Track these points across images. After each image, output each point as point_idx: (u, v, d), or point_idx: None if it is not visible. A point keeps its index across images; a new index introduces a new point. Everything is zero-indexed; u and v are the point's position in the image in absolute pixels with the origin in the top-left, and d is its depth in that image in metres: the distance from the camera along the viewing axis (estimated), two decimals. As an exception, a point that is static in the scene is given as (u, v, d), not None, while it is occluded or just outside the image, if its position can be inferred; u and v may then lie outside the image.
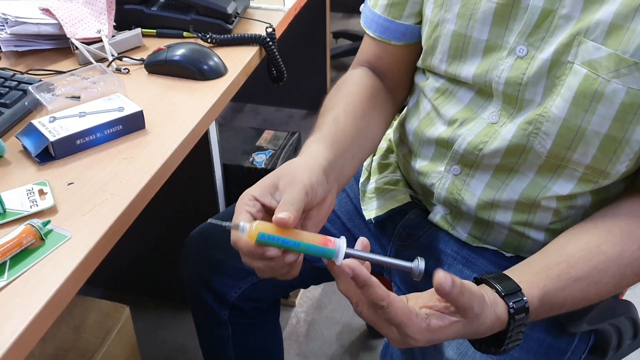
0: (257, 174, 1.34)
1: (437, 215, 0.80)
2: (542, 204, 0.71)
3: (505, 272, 0.62)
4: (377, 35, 0.81)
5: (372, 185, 0.87)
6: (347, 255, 0.54)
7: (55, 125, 0.70)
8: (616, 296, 0.80)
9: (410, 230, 0.83)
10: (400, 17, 0.79)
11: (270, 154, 1.35)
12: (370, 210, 0.86)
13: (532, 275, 0.62)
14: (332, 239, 0.54)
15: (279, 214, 0.54)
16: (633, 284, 0.67)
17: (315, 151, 0.66)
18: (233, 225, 0.55)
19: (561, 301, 0.62)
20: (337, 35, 2.72)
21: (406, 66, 0.82)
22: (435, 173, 0.77)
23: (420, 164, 0.79)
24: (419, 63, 0.79)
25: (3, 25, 0.91)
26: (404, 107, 0.87)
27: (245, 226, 0.53)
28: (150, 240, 1.37)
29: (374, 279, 0.52)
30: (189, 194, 1.23)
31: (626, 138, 0.63)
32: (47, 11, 0.92)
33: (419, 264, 0.53)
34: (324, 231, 0.59)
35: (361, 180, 0.89)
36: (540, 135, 0.66)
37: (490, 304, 0.56)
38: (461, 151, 0.73)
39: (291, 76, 1.16)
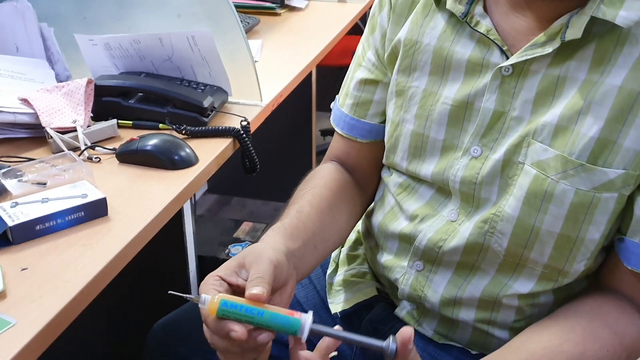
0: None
1: (404, 310, 0.79)
2: (503, 302, 0.70)
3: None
4: (345, 133, 0.85)
5: (339, 277, 0.87)
6: (313, 332, 0.53)
7: (16, 210, 0.70)
8: None
9: (376, 325, 0.81)
10: (365, 117, 0.82)
11: (247, 244, 1.35)
12: (337, 303, 0.85)
13: None
14: (298, 312, 0.53)
15: (252, 290, 0.54)
16: None
17: (274, 238, 0.66)
18: (194, 297, 0.54)
19: None
20: (324, 133, 2.81)
21: (373, 162, 0.84)
22: (400, 268, 0.77)
23: (385, 258, 0.79)
24: (384, 160, 0.81)
25: (-20, 114, 0.93)
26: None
27: (207, 298, 0.52)
28: (114, 332, 1.33)
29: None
30: (162, 286, 1.20)
31: (580, 237, 0.64)
32: (25, 101, 0.95)
33: (391, 344, 0.52)
34: None
35: (328, 271, 0.89)
36: (496, 234, 0.67)
37: None
38: (422, 247, 0.73)
39: (278, 170, 1.19)
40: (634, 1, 0.61)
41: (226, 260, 1.23)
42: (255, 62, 1.12)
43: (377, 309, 0.81)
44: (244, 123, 1.01)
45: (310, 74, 1.92)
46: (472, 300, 0.71)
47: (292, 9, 1.88)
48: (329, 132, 2.85)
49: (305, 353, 0.54)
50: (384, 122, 0.82)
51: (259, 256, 0.59)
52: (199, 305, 0.54)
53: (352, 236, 0.91)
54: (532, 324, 0.68)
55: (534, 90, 0.65)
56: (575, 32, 0.61)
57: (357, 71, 0.84)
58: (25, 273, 0.64)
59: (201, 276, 1.26)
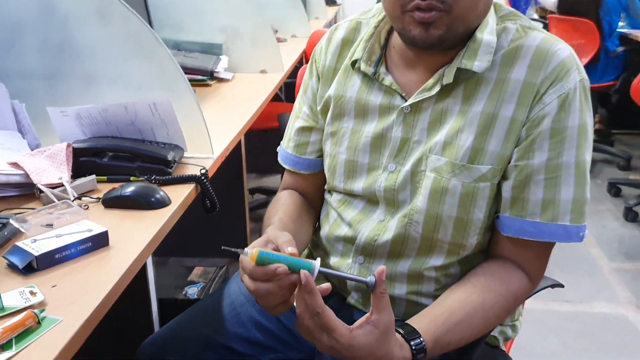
0: (191, 303, 1.49)
1: (352, 299, 1.01)
2: (425, 274, 0.94)
3: (407, 321, 0.83)
4: (291, 168, 1.10)
5: None
6: (320, 272, 0.76)
7: (36, 244, 0.87)
8: (497, 347, 1.02)
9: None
10: (305, 154, 1.08)
11: (202, 286, 1.52)
12: None
13: (425, 324, 0.83)
14: (309, 260, 0.77)
15: (288, 249, 0.78)
16: (498, 323, 0.90)
17: (275, 230, 0.89)
18: (241, 250, 0.74)
19: (447, 342, 0.83)
20: (253, 191, 3.02)
21: (316, 188, 1.10)
22: (346, 265, 0.99)
23: (333, 260, 1.01)
24: (325, 186, 1.06)
25: (-23, 177, 1.08)
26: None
27: (248, 251, 0.74)
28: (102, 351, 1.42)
29: (317, 290, 0.73)
30: (126, 325, 1.33)
31: (469, 218, 0.90)
32: (15, 164, 1.11)
33: (371, 277, 0.76)
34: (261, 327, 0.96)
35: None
36: (414, 224, 0.92)
37: (398, 342, 0.77)
38: (361, 244, 0.96)
39: (214, 228, 1.35)
40: (483, 55, 0.89)
41: (183, 300, 1.43)
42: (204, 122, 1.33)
43: (332, 302, 1.02)
44: (203, 171, 1.21)
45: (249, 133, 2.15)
46: (402, 277, 0.95)
47: (221, 80, 2.12)
48: (257, 190, 3.07)
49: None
50: (320, 157, 1.08)
51: (279, 232, 0.83)
52: (241, 256, 0.76)
53: (305, 252, 1.12)
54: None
55: (427, 121, 0.93)
56: (448, 79, 0.89)
57: (296, 121, 1.11)
58: (55, 289, 0.80)
59: (162, 318, 1.41)
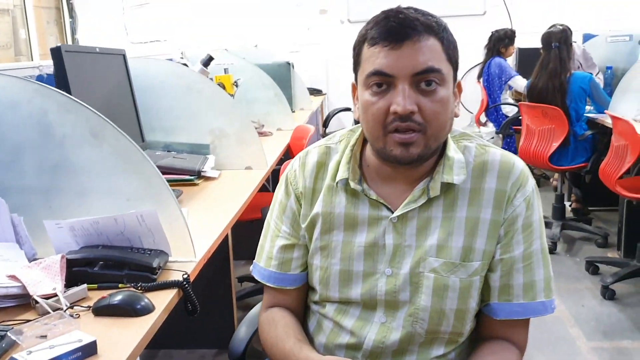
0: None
1: None
2: None
3: None
4: (277, 286, 1.20)
5: None
6: None
7: (32, 356, 0.97)
8: None
9: None
10: (289, 270, 1.19)
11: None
12: None
13: None
14: None
15: None
16: None
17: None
18: None
19: None
20: (241, 279, 3.10)
21: (300, 301, 1.22)
22: None
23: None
24: (317, 298, 1.15)
25: (-22, 290, 1.18)
26: None
27: None
28: None
29: None
30: None
31: (467, 308, 1.06)
32: (13, 277, 1.22)
33: None
34: None
35: None
36: (419, 321, 1.05)
37: None
38: (369, 348, 1.09)
39: (201, 318, 1.43)
40: (458, 170, 1.06)
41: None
42: (187, 228, 1.46)
43: None
44: (185, 276, 1.32)
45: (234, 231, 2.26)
46: None
47: (208, 178, 2.26)
48: (246, 278, 3.15)
49: None
50: (303, 271, 1.20)
51: None
52: None
53: None
54: None
55: (415, 228, 1.07)
56: (435, 192, 1.06)
57: (276, 240, 1.21)
58: (47, 398, 0.90)
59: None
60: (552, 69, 3.64)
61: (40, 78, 1.90)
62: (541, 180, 5.39)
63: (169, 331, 1.99)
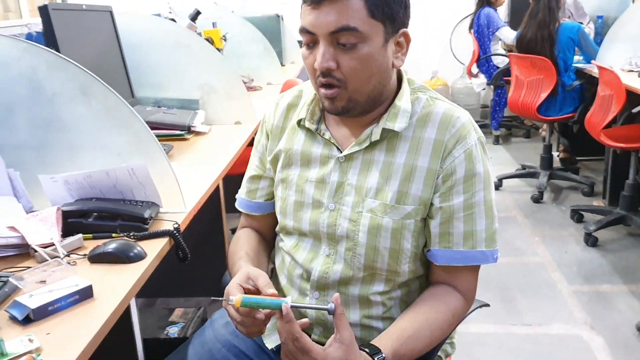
0: (171, 342, 1.65)
1: (316, 334, 1.19)
2: (372, 299, 1.15)
3: (371, 341, 1.04)
4: (245, 210, 1.33)
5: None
6: (292, 307, 0.97)
7: (32, 299, 1.04)
8: None
9: None
10: (255, 198, 1.31)
11: (182, 326, 1.68)
12: (271, 342, 1.23)
13: (384, 341, 1.04)
14: (282, 297, 0.98)
15: (269, 291, 1.01)
16: (442, 337, 1.12)
17: (248, 267, 1.11)
18: (226, 299, 0.96)
19: (402, 353, 1.04)
20: (235, 230, 3.18)
21: (268, 227, 1.33)
22: (306, 302, 1.18)
23: (294, 299, 1.19)
24: (278, 229, 1.24)
25: (-21, 241, 1.25)
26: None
27: (233, 298, 0.96)
28: None
29: (294, 319, 0.94)
30: None
31: (400, 248, 1.12)
32: (12, 228, 1.29)
33: (330, 304, 0.97)
34: None
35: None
36: (357, 256, 1.13)
37: (360, 354, 0.98)
38: (316, 279, 1.15)
39: (196, 268, 1.51)
40: (401, 118, 1.12)
41: (165, 339, 1.62)
42: (177, 180, 1.52)
43: None
44: (175, 225, 1.39)
45: (225, 182, 2.33)
46: (354, 303, 1.15)
47: (198, 133, 2.32)
48: (238, 230, 3.24)
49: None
50: (267, 200, 1.31)
51: (259, 272, 1.06)
52: (229, 303, 0.98)
53: None
54: (396, 314, 1.13)
55: (358, 168, 1.15)
56: (376, 136, 1.12)
57: (248, 172, 1.34)
58: (49, 336, 0.98)
59: (146, 355, 1.57)
60: (540, 19, 3.65)
61: (29, 36, 1.93)
62: (531, 131, 5.46)
63: (167, 281, 2.08)
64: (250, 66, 3.40)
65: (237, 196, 1.38)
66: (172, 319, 1.71)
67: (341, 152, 1.16)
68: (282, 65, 4.00)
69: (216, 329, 1.32)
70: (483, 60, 5.05)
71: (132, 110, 1.47)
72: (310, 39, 1.07)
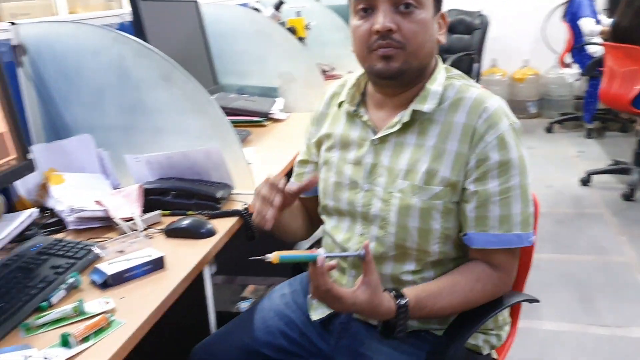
0: (242, 316, 1.75)
1: (351, 274, 1.25)
2: (403, 279, 1.19)
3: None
4: None
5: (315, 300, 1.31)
6: (324, 258, 1.03)
7: (111, 266, 1.15)
8: (481, 353, 1.24)
9: (343, 325, 1.26)
10: (301, 181, 1.39)
11: (252, 301, 1.77)
12: (317, 315, 1.29)
13: (410, 291, 1.10)
14: (315, 250, 1.04)
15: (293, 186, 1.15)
16: (465, 303, 1.16)
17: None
18: (265, 257, 1.04)
19: (424, 305, 1.10)
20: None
21: (314, 208, 1.38)
22: (345, 282, 1.22)
23: (334, 277, 1.25)
24: (320, 209, 1.33)
25: (70, 212, 1.39)
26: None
27: (269, 256, 1.03)
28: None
29: (325, 272, 1.01)
30: (188, 333, 1.60)
31: (428, 228, 1.16)
32: (98, 202, 1.41)
33: (361, 251, 1.04)
34: (286, 337, 1.23)
35: (309, 297, 1.33)
36: (388, 235, 1.17)
37: (386, 296, 1.05)
38: (351, 258, 1.20)
39: (269, 249, 1.57)
40: (431, 100, 1.16)
41: (235, 313, 1.72)
42: (249, 164, 1.60)
43: (341, 315, 1.26)
44: (245, 206, 1.48)
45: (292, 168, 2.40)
46: (386, 281, 1.19)
47: (276, 120, 2.40)
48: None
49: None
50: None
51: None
52: (266, 260, 1.04)
53: None
54: None
55: (390, 150, 1.19)
56: (406, 118, 1.17)
57: (298, 157, 1.43)
58: (123, 300, 1.08)
59: (218, 327, 1.67)
60: (637, 7, 3.46)
61: (122, 26, 2.07)
62: (628, 125, 5.18)
63: (244, 262, 2.18)
64: (332, 54, 3.45)
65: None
66: (244, 294, 1.81)
67: (375, 134, 1.21)
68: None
69: (272, 299, 1.41)
70: (577, 50, 4.84)
71: (209, 97, 1.56)
72: (367, 4, 1.13)
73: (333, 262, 1.04)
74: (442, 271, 1.20)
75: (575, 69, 5.08)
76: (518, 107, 5.61)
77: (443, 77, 1.20)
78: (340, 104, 1.29)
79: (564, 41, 5.09)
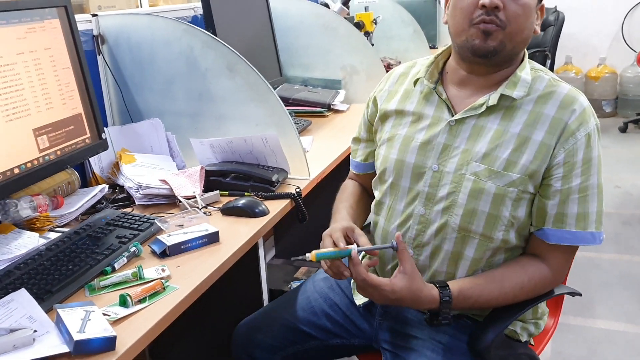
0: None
1: (389, 266, 1.30)
2: (460, 264, 1.22)
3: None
4: (350, 167, 1.49)
5: None
6: (357, 252, 1.13)
7: (170, 238, 1.26)
8: (519, 340, 1.28)
9: (385, 309, 1.32)
10: (355, 157, 1.49)
11: (302, 281, 1.86)
12: (360, 299, 1.35)
13: (454, 281, 1.15)
14: (348, 246, 1.13)
15: (361, 239, 1.19)
16: (513, 295, 1.18)
17: (348, 221, 1.26)
18: (304, 257, 1.13)
19: (469, 295, 1.14)
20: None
21: (368, 183, 1.43)
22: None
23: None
24: (376, 185, 1.37)
25: (138, 189, 1.52)
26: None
27: (308, 255, 1.12)
28: (206, 330, 1.80)
29: (360, 263, 1.10)
30: (240, 305, 1.70)
31: (498, 214, 1.17)
32: (164, 181, 1.53)
33: (394, 242, 1.11)
34: (330, 318, 1.33)
35: (352, 282, 1.40)
36: (454, 216, 1.20)
37: (427, 284, 1.11)
38: (413, 237, 1.24)
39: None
40: (521, 87, 1.17)
41: (285, 291, 1.80)
42: (306, 152, 1.68)
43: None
44: (297, 190, 1.56)
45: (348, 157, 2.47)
46: (445, 259, 1.22)
47: (337, 111, 2.48)
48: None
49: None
50: (364, 161, 1.45)
51: (356, 228, 1.21)
52: (306, 260, 1.13)
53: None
54: None
55: (468, 132, 1.20)
56: (493, 101, 1.18)
57: (354, 134, 1.48)
58: (179, 268, 1.19)
59: (271, 299, 1.76)
60: None
61: (195, 18, 2.20)
62: None
63: (305, 246, 2.27)
64: (400, 48, 3.49)
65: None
66: (297, 275, 1.90)
67: (453, 115, 1.22)
68: (434, 47, 4.03)
69: (316, 281, 1.48)
70: (656, 48, 4.64)
71: (269, 87, 1.65)
72: None
73: (374, 259, 1.13)
74: (499, 258, 1.22)
75: (655, 68, 4.88)
76: (592, 105, 5.42)
77: (529, 68, 1.22)
78: (416, 82, 1.29)
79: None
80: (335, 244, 1.16)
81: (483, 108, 1.19)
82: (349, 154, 1.55)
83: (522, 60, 1.22)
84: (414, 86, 1.31)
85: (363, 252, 1.20)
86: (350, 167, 1.52)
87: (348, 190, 1.47)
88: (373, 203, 1.37)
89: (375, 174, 1.37)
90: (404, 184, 1.27)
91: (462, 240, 1.20)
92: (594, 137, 1.16)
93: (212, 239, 1.29)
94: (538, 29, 1.20)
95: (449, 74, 1.27)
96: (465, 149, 1.19)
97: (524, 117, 1.17)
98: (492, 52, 1.15)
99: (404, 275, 1.10)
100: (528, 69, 1.21)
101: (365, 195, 1.46)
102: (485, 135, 1.18)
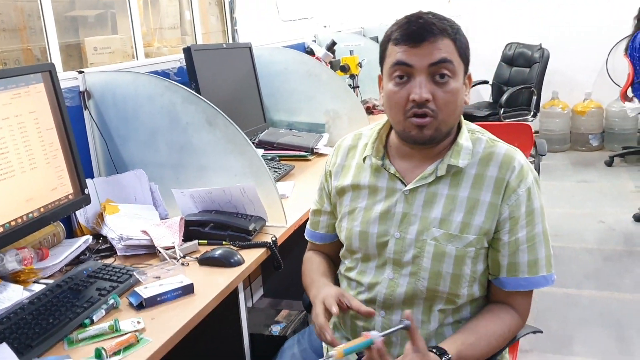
0: (273, 339, 1.90)
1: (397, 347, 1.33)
2: (432, 319, 1.29)
3: (439, 344, 1.20)
4: (310, 239, 1.51)
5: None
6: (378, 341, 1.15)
7: (146, 290, 1.33)
8: None
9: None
10: (317, 229, 1.49)
11: (284, 325, 1.92)
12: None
13: (450, 345, 1.20)
14: (367, 334, 1.15)
15: (362, 308, 1.23)
16: (497, 349, 1.26)
17: (334, 288, 1.31)
18: (331, 355, 1.12)
19: (464, 356, 1.19)
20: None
21: (332, 252, 1.49)
22: (375, 320, 1.32)
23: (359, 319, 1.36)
24: (342, 255, 1.41)
25: (119, 240, 1.59)
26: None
27: (333, 353, 1.12)
28: None
29: (385, 352, 1.13)
30: (220, 351, 1.75)
31: (460, 273, 1.25)
32: (144, 232, 1.61)
33: (405, 322, 1.15)
34: None
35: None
36: (421, 280, 1.27)
37: (431, 356, 1.15)
38: (382, 300, 1.30)
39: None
40: (464, 155, 1.25)
41: (267, 335, 1.85)
42: (286, 197, 1.76)
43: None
44: (273, 239, 1.63)
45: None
46: (417, 322, 1.28)
47: (320, 155, 2.56)
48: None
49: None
50: (328, 232, 1.48)
51: (349, 295, 1.27)
52: (329, 357, 1.12)
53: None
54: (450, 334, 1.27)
55: (422, 200, 1.28)
56: (442, 172, 1.26)
57: (312, 206, 1.51)
58: (153, 320, 1.25)
59: (252, 348, 1.82)
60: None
61: (180, 70, 2.29)
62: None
63: (290, 286, 2.32)
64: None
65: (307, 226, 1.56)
66: (277, 318, 1.95)
67: (405, 185, 1.30)
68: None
69: (313, 339, 1.50)
70: (638, 84, 4.75)
71: (247, 139, 1.74)
72: (405, 71, 1.21)
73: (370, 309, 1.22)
74: (466, 312, 1.29)
75: (637, 104, 4.98)
76: (579, 139, 5.56)
77: (467, 132, 1.30)
78: (364, 158, 1.36)
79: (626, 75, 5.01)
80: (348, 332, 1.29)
81: (433, 177, 1.27)
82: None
83: (460, 126, 1.30)
84: (364, 162, 1.37)
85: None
86: (307, 237, 1.53)
87: (315, 260, 1.49)
88: (342, 270, 1.43)
89: (338, 243, 1.44)
90: (371, 252, 1.33)
91: (432, 299, 1.28)
92: (534, 190, 1.25)
93: (187, 290, 1.36)
94: (468, 98, 1.28)
95: (392, 148, 1.35)
96: (423, 215, 1.27)
97: (470, 181, 1.26)
98: (429, 140, 1.24)
99: (417, 353, 1.14)
100: (467, 134, 1.29)
101: (332, 264, 1.50)
102: (439, 202, 1.26)
